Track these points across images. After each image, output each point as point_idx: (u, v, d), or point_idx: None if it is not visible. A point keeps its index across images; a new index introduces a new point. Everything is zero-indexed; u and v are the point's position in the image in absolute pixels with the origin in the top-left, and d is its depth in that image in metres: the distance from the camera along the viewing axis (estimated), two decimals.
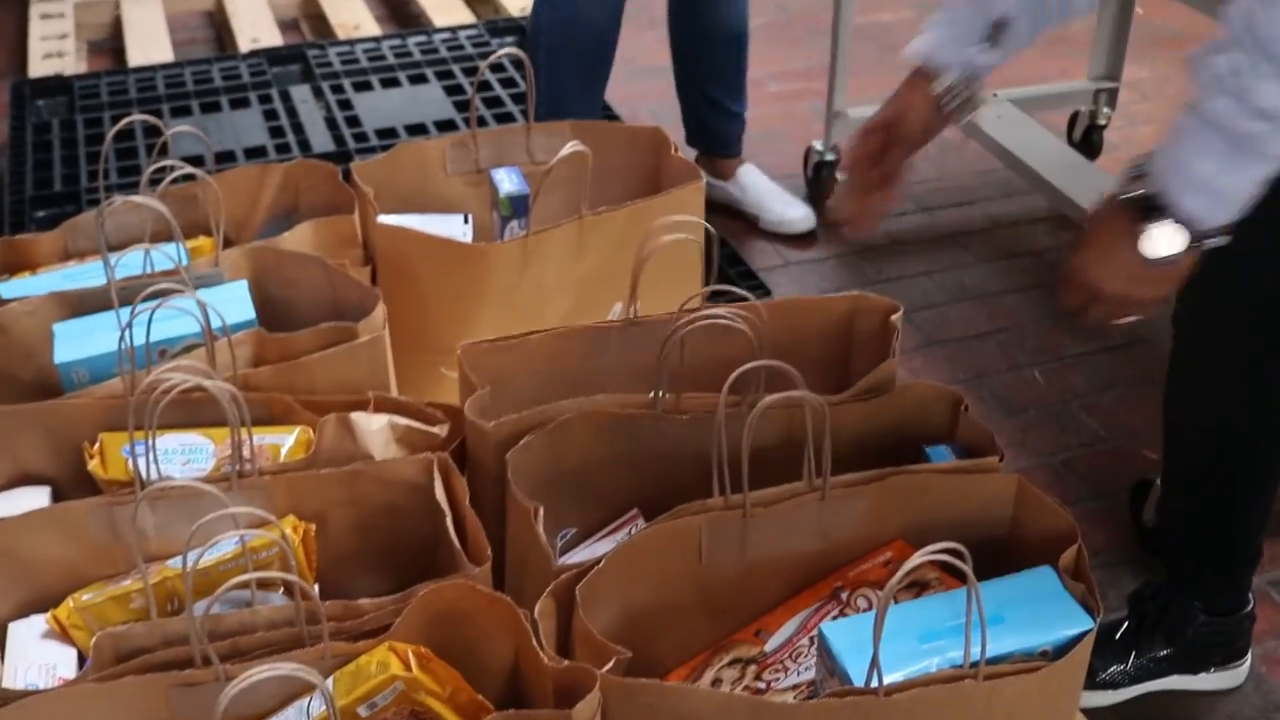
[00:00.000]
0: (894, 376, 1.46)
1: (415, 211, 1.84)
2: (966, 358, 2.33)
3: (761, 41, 3.56)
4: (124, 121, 1.70)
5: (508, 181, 1.79)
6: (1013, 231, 2.73)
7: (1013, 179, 2.87)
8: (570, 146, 1.65)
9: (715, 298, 1.48)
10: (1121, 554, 1.92)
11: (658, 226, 1.46)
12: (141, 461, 1.31)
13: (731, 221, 2.72)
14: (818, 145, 2.77)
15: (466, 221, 1.81)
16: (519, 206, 1.77)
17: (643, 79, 3.23)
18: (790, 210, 2.71)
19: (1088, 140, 2.94)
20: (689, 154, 2.79)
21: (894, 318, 1.53)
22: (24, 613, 1.30)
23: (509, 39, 3.28)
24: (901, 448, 1.44)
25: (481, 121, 2.86)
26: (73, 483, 1.44)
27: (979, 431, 1.38)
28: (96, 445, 1.42)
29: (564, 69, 2.39)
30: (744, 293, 1.37)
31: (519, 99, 2.93)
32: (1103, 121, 2.91)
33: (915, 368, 2.29)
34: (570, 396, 1.39)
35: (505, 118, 2.87)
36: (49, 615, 1.27)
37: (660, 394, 1.39)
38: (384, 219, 1.74)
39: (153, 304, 1.40)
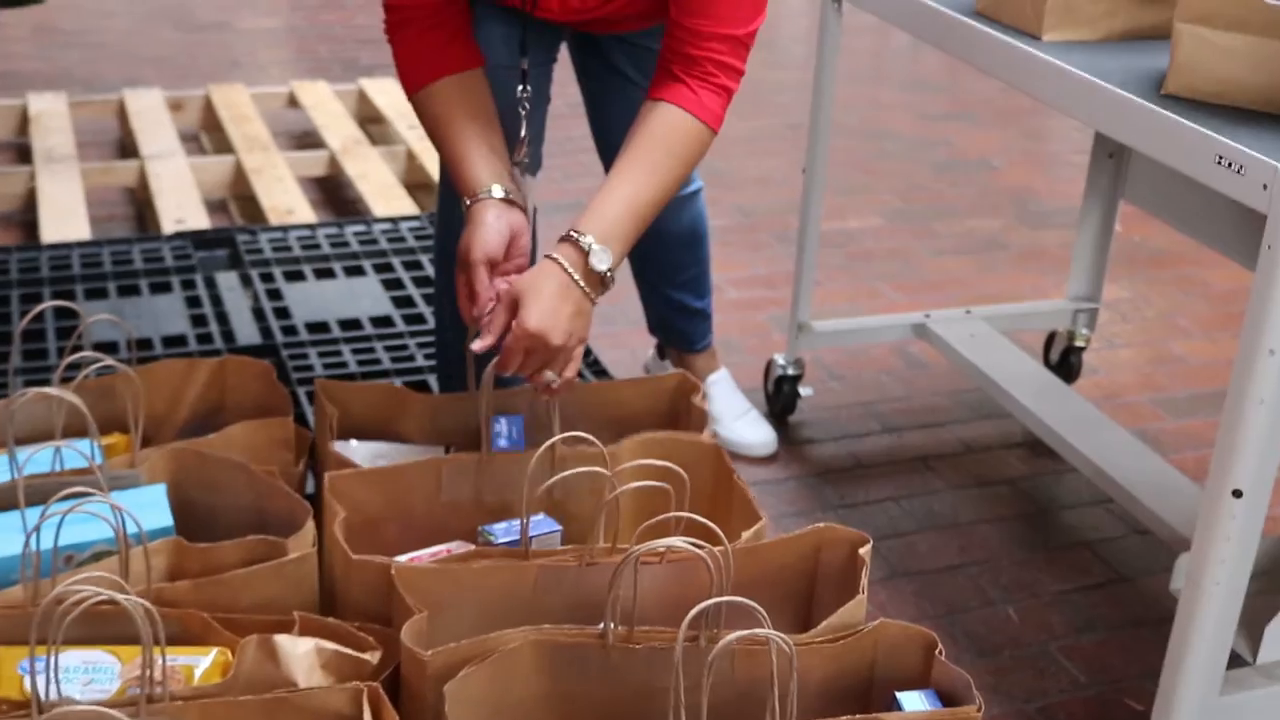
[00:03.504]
0: (863, 615, 1.48)
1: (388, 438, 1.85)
2: (936, 592, 2.36)
3: (721, 244, 3.65)
4: (37, 309, 1.72)
5: (507, 438, 1.80)
6: (986, 457, 2.78)
7: (986, 401, 2.94)
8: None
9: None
10: None
11: (627, 470, 1.50)
12: (41, 680, 1.30)
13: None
14: (780, 359, 2.83)
15: (447, 453, 1.83)
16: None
17: None
18: (750, 433, 2.75)
19: (1065, 362, 3.02)
20: (632, 330, 2.87)
21: (862, 551, 1.56)
22: None
23: None
24: (871, 693, 1.46)
25: (420, 319, 2.90)
26: None
27: (955, 677, 1.39)
28: None
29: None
30: (707, 522, 1.39)
31: None
32: (1081, 343, 2.99)
33: (881, 601, 2.31)
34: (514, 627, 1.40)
35: None
36: None
37: (612, 625, 1.40)
38: (345, 446, 1.75)
39: (64, 507, 1.40)
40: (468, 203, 1.85)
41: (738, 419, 2.73)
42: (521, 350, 1.73)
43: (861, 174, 4.28)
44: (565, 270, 1.75)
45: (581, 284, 1.76)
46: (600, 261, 1.76)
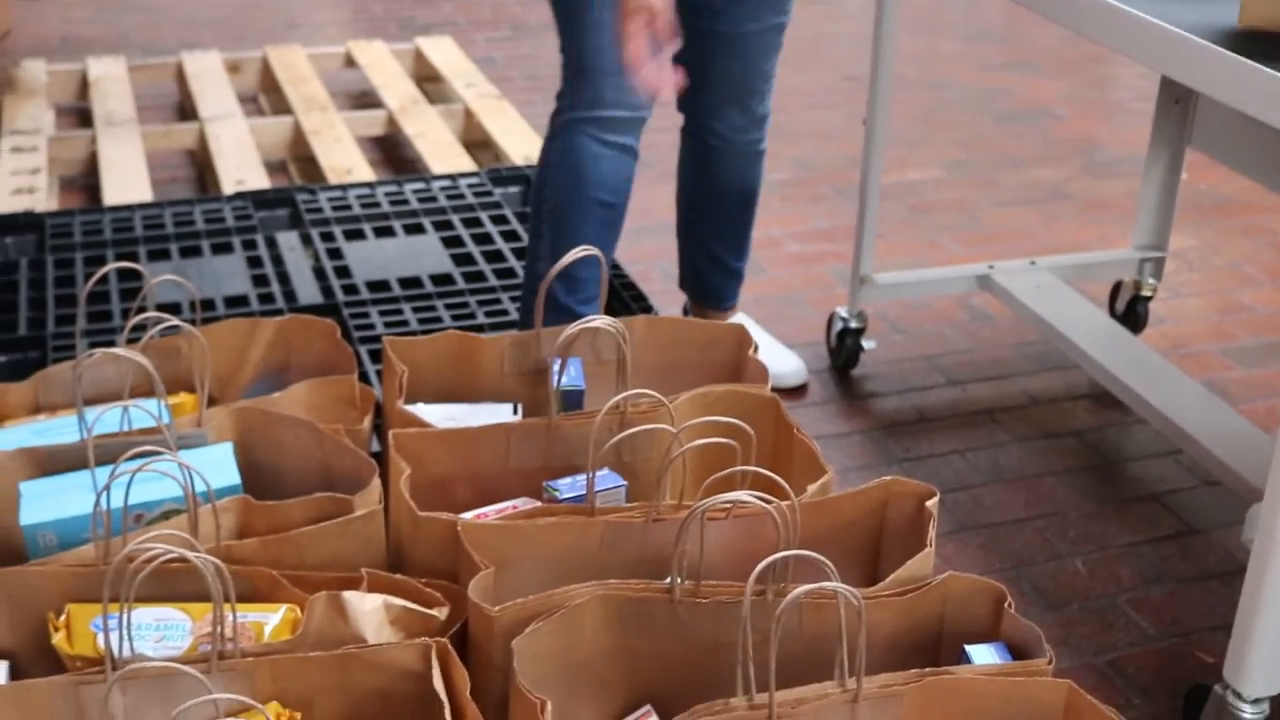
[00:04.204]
0: (931, 568, 1.48)
1: (455, 397, 1.86)
2: (1003, 545, 2.34)
3: (782, 198, 3.64)
4: (102, 271, 1.74)
5: (566, 376, 1.81)
6: (1051, 409, 2.76)
7: (1051, 352, 2.91)
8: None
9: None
10: None
11: (692, 426, 1.50)
12: (114, 637, 1.32)
13: (777, 325, 2.84)
14: (842, 311, 2.81)
15: (516, 412, 1.83)
16: (572, 401, 1.80)
17: (655, 236, 3.29)
18: (780, 363, 2.76)
19: (1132, 312, 2.99)
20: (679, 298, 2.90)
21: (929, 504, 1.55)
22: None
23: (512, 188, 3.35)
24: (940, 646, 1.45)
25: (480, 276, 2.91)
26: (33, 657, 1.45)
27: (1025, 630, 1.38)
28: (63, 617, 1.42)
29: (574, 223, 2.42)
30: (774, 476, 1.39)
31: (522, 254, 2.98)
32: (1148, 293, 2.96)
33: (947, 555, 2.30)
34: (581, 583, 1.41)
35: (506, 273, 2.92)
36: None
37: (679, 580, 1.40)
38: (419, 408, 1.76)
39: (133, 466, 1.41)
40: None
41: (766, 354, 2.73)
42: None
43: (922, 125, 4.24)
44: None
45: None
46: None
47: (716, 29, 2.42)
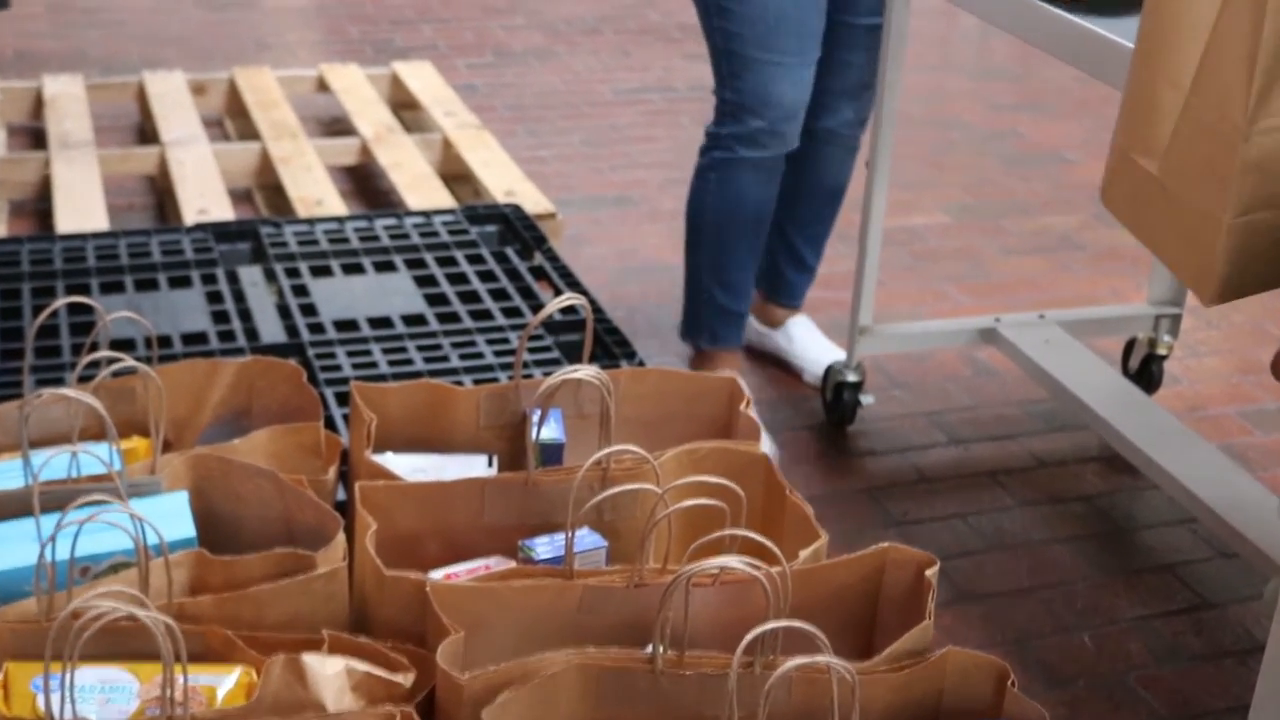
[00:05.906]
0: (930, 641, 1.48)
1: (427, 448, 1.86)
2: (1005, 617, 2.35)
3: None
4: (54, 305, 1.74)
5: (546, 428, 1.81)
6: (1059, 472, 2.76)
7: (1060, 412, 2.92)
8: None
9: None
10: None
11: (679, 486, 1.50)
12: (55, 699, 1.31)
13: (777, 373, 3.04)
14: (839, 364, 2.82)
15: (491, 465, 1.83)
16: (551, 456, 1.80)
17: (641, 277, 3.30)
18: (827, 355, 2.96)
19: (1146, 371, 3.00)
20: (667, 345, 3.07)
21: (929, 573, 1.55)
22: None
23: (489, 227, 3.35)
24: None
25: (454, 317, 2.91)
26: None
27: (1029, 710, 1.38)
28: (1, 676, 1.41)
29: (729, 245, 2.81)
30: (765, 541, 1.39)
31: (499, 295, 2.98)
32: (1163, 351, 2.97)
33: (946, 626, 2.30)
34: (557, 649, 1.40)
35: (482, 314, 2.92)
36: None
37: (662, 649, 1.40)
38: (387, 459, 1.75)
39: (81, 515, 1.41)
40: None
41: (826, 354, 3.00)
42: None
43: (927, 167, 4.27)
44: None
45: None
46: None
47: (844, 19, 2.74)
